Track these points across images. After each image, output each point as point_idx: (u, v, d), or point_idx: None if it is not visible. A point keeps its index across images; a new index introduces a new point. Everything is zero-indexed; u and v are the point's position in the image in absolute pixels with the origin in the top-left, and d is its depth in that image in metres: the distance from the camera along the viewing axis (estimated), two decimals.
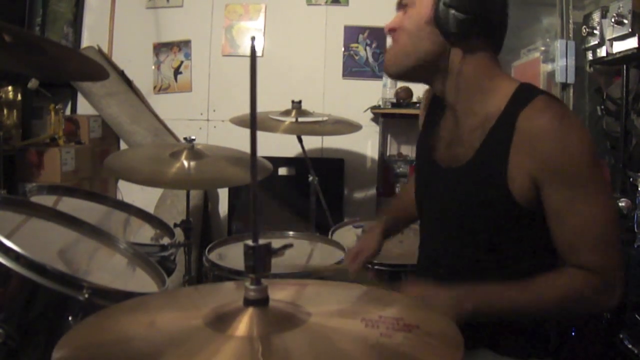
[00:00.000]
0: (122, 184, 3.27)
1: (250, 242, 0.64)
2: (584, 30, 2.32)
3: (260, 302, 0.65)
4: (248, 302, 0.65)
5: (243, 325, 0.63)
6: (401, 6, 1.16)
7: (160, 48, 3.35)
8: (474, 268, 1.13)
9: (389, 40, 1.20)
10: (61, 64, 1.45)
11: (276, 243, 0.67)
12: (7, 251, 0.95)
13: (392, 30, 1.16)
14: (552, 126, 1.02)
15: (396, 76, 1.21)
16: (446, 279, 1.13)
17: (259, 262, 0.64)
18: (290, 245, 0.66)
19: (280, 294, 0.71)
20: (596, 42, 2.25)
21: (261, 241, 0.64)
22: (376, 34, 3.21)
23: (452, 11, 1.05)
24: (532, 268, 1.06)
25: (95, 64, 1.47)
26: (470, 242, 1.14)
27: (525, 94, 1.07)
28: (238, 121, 2.31)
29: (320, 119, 2.41)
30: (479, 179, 1.10)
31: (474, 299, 1.01)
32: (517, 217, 1.07)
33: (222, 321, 0.64)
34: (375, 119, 3.26)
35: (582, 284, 1.02)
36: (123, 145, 3.24)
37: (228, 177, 1.99)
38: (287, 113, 2.38)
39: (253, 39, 0.63)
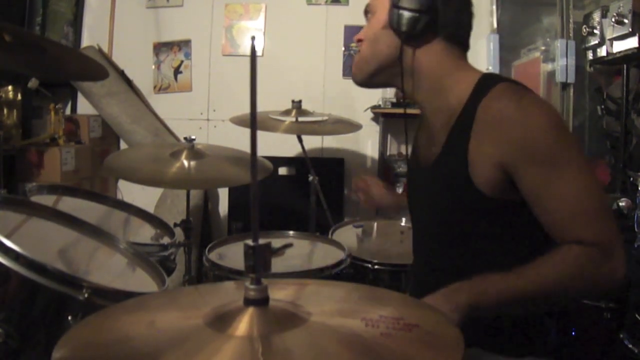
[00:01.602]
0: (122, 184, 3.27)
1: (250, 242, 0.64)
2: (584, 30, 2.32)
3: (261, 301, 0.65)
4: (248, 302, 0.65)
5: (243, 325, 0.62)
6: (366, 16, 1.21)
7: (161, 48, 3.35)
8: (460, 266, 1.11)
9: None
10: (61, 64, 1.45)
11: (276, 243, 0.67)
12: (7, 251, 0.95)
13: (359, 41, 1.21)
14: (509, 109, 1.01)
15: (361, 83, 1.24)
16: (437, 279, 1.13)
17: (259, 262, 0.64)
18: (290, 245, 0.66)
19: (280, 294, 0.71)
20: (596, 42, 2.25)
21: (261, 241, 0.64)
22: None
23: (404, 12, 1.09)
24: (516, 260, 1.03)
25: (95, 63, 1.47)
26: (449, 239, 1.13)
27: (487, 83, 1.07)
28: (238, 121, 2.31)
29: (320, 118, 2.41)
30: (444, 175, 1.10)
31: (467, 293, 0.97)
32: (487, 209, 1.05)
33: (222, 321, 0.64)
34: (375, 119, 3.26)
35: (581, 258, 0.97)
36: (123, 145, 3.24)
37: (228, 177, 1.99)
38: (287, 113, 2.38)
39: (253, 38, 0.63)
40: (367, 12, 1.20)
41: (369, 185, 1.69)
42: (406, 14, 1.08)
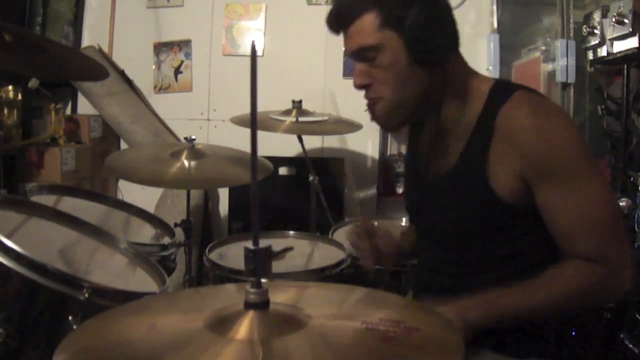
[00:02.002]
0: (122, 184, 3.26)
1: (250, 246, 0.64)
2: (585, 30, 2.32)
3: (261, 305, 0.65)
4: (249, 305, 0.65)
5: (244, 328, 0.63)
6: (364, 58, 1.08)
7: (161, 48, 3.35)
8: (473, 274, 1.12)
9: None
10: (61, 64, 1.45)
11: (276, 243, 0.67)
12: (7, 251, 0.95)
13: (365, 87, 1.10)
14: (529, 121, 1.00)
15: (397, 128, 1.18)
16: (447, 288, 1.13)
17: (259, 266, 0.64)
18: (290, 249, 0.66)
19: (280, 297, 0.71)
20: (597, 42, 2.25)
21: (262, 244, 0.64)
22: None
23: (426, 41, 1.02)
24: (530, 267, 1.04)
25: (95, 63, 1.47)
26: (465, 248, 1.13)
27: (503, 91, 1.07)
28: (238, 121, 2.31)
29: (320, 118, 2.41)
30: (462, 182, 1.09)
31: (474, 310, 0.99)
32: (505, 215, 1.05)
33: (222, 324, 0.64)
34: None
35: (588, 274, 0.98)
36: (123, 145, 3.23)
37: (228, 177, 1.99)
38: (287, 113, 2.38)
39: (253, 44, 0.63)
40: (363, 53, 1.07)
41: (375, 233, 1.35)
42: (430, 44, 1.02)
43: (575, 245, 1.00)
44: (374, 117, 1.13)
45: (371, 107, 1.12)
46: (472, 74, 1.14)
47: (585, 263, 0.99)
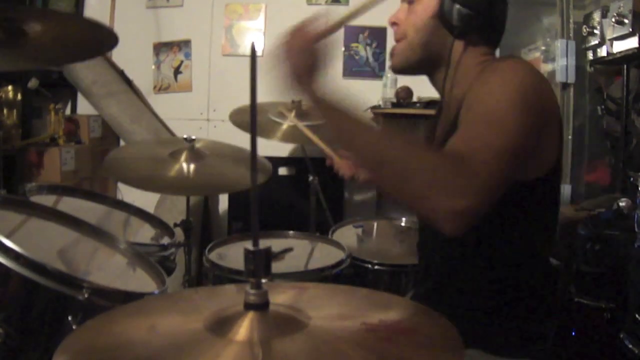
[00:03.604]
0: (121, 184, 3.26)
1: (250, 247, 0.64)
2: (585, 30, 2.32)
3: (261, 306, 0.65)
4: (248, 306, 0.65)
5: (243, 329, 0.63)
6: (407, 0, 1.18)
7: (161, 48, 3.35)
8: (464, 246, 1.10)
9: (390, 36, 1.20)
10: (61, 41, 1.34)
11: (276, 243, 0.67)
12: (7, 251, 0.95)
13: (395, 24, 1.18)
14: (493, 65, 1.03)
15: (401, 70, 1.22)
16: (439, 260, 1.15)
17: (259, 267, 0.64)
18: (290, 250, 0.66)
19: (280, 298, 0.71)
20: (596, 42, 2.25)
21: (261, 245, 0.64)
22: (376, 34, 3.21)
23: (457, 6, 1.08)
24: (519, 240, 1.05)
25: (99, 27, 1.31)
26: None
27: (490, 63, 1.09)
28: (238, 122, 2.30)
29: (320, 122, 2.40)
30: None
31: (330, 99, 1.00)
32: None
33: (222, 325, 0.64)
34: (375, 119, 3.26)
35: (445, 160, 0.87)
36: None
37: (228, 182, 1.99)
38: (287, 113, 2.37)
39: (253, 45, 0.63)
40: None
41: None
42: (463, 11, 1.08)
43: (455, 138, 0.93)
44: (391, 55, 1.21)
45: (394, 47, 1.20)
46: (487, 61, 1.14)
47: (451, 153, 0.89)
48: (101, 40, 1.37)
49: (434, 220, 0.85)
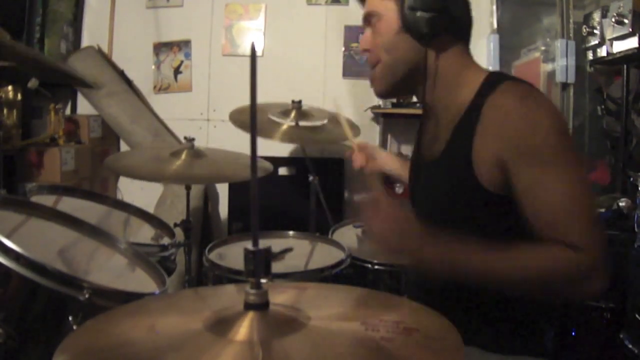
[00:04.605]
0: (122, 184, 3.27)
1: (250, 247, 0.64)
2: (584, 30, 2.32)
3: (261, 306, 0.65)
4: (248, 306, 0.65)
5: (243, 329, 0.63)
6: (367, 23, 1.17)
7: (160, 48, 3.35)
8: None
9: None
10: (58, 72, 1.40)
11: (276, 243, 0.67)
12: (7, 251, 0.95)
13: (366, 50, 1.17)
14: (514, 105, 1.01)
15: (386, 94, 1.23)
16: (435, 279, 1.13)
17: (259, 267, 0.64)
18: (290, 250, 0.66)
19: (280, 298, 0.71)
20: (596, 42, 2.25)
21: (261, 245, 0.64)
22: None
23: (418, 13, 1.06)
24: None
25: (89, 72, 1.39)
26: (450, 233, 1.13)
27: (492, 81, 1.08)
28: (238, 122, 2.30)
29: (319, 123, 2.40)
30: (448, 168, 1.10)
31: (434, 251, 0.98)
32: (489, 204, 1.05)
33: (222, 325, 0.64)
34: (375, 119, 3.26)
35: (566, 259, 0.94)
36: (123, 145, 3.24)
37: (228, 173, 2.00)
38: (287, 113, 2.37)
39: (253, 46, 0.63)
40: (368, 18, 1.16)
41: (368, 147, 1.58)
42: (422, 16, 1.06)
43: (550, 231, 0.97)
44: (372, 82, 1.21)
45: (372, 74, 1.20)
46: (471, 65, 1.14)
47: (566, 249, 0.95)
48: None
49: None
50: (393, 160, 1.58)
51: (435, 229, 1.00)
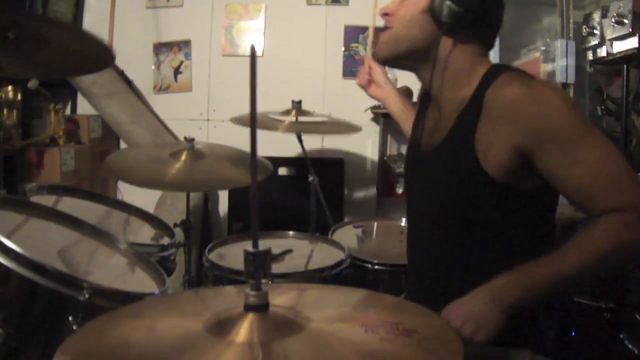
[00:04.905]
0: (122, 184, 3.26)
1: (250, 248, 0.64)
2: (584, 30, 2.31)
3: (261, 307, 0.65)
4: (248, 308, 0.65)
5: (243, 331, 0.62)
6: None
7: (160, 48, 3.35)
8: (459, 254, 1.12)
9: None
10: (63, 56, 1.39)
11: (276, 244, 0.67)
12: (7, 251, 0.95)
13: (386, 15, 1.18)
14: (520, 92, 1.02)
15: (384, 61, 1.24)
16: (435, 268, 1.14)
17: (259, 268, 0.64)
18: (289, 251, 0.66)
19: (280, 299, 0.71)
20: (596, 42, 2.25)
21: (261, 245, 0.64)
22: (377, 34, 3.20)
23: (447, 2, 1.08)
24: (517, 251, 1.05)
25: (98, 44, 1.38)
26: (451, 225, 1.13)
27: (494, 72, 1.09)
28: (238, 121, 2.30)
29: (320, 119, 2.41)
30: (449, 158, 1.11)
31: (515, 290, 0.96)
32: (493, 194, 1.05)
33: (222, 327, 0.64)
34: (375, 119, 3.26)
35: (620, 226, 0.95)
36: (123, 146, 3.24)
37: (228, 178, 1.99)
38: (287, 113, 2.38)
39: (253, 47, 0.63)
40: None
41: (378, 73, 1.59)
42: (450, 6, 1.07)
43: (597, 201, 0.98)
44: (377, 45, 1.22)
45: (380, 36, 1.21)
46: (483, 61, 1.15)
47: (614, 215, 0.96)
48: (101, 55, 1.41)
49: None
50: (395, 100, 1.60)
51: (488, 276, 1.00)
